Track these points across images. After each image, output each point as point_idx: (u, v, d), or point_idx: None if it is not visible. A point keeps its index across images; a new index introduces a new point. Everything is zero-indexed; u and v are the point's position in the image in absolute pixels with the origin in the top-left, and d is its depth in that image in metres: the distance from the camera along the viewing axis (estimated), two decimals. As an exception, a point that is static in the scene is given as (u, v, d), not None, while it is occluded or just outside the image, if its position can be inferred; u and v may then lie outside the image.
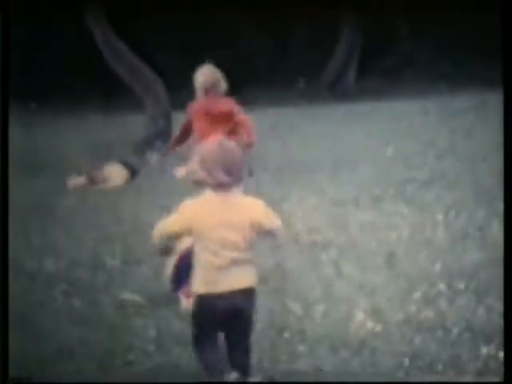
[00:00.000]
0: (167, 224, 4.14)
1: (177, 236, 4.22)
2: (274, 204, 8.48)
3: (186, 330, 5.08)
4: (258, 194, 8.98)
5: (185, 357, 4.71)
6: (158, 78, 13.12)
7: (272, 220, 4.31)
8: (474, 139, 12.03)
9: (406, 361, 4.53)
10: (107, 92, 23.49)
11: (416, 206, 8.10)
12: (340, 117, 16.86)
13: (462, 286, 5.60)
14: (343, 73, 24.91)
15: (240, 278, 4.14)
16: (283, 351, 4.78)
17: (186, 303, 5.29)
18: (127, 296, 5.78)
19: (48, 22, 25.07)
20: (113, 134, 13.66)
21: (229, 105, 7.16)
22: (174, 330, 5.14)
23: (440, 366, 4.45)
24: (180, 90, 21.44)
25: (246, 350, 4.25)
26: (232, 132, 6.99)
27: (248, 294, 4.19)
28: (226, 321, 4.16)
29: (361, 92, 22.20)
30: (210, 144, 4.18)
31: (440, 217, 7.50)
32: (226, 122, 7.09)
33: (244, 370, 4.16)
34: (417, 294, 5.50)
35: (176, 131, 12.36)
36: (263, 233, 4.23)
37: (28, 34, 25.91)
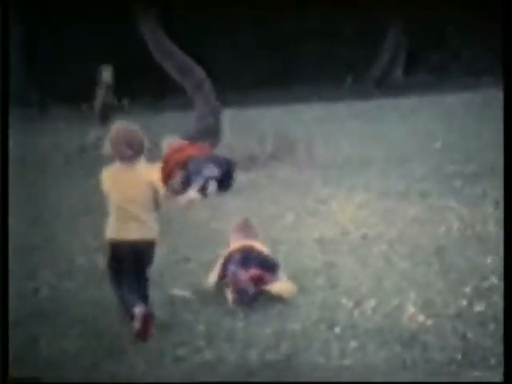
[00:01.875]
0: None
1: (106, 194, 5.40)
2: (322, 200, 8.58)
3: (235, 325, 5.12)
4: (306, 190, 9.10)
5: (234, 352, 4.73)
6: (207, 76, 13.17)
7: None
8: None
9: (459, 355, 4.49)
10: (158, 90, 23.67)
11: (465, 199, 8.02)
12: (387, 112, 16.75)
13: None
14: (390, 69, 24.81)
15: (139, 232, 5.25)
16: (334, 346, 4.77)
17: (230, 297, 5.49)
18: (177, 292, 5.81)
19: (97, 21, 25.33)
20: (162, 132, 13.72)
21: None
22: (223, 325, 5.16)
23: (493, 361, 4.40)
24: (228, 88, 21.64)
25: (146, 284, 5.32)
26: None
27: (147, 244, 5.29)
28: (130, 262, 5.26)
29: (408, 87, 22.06)
30: (115, 127, 5.41)
31: (489, 210, 7.42)
32: None
33: (145, 298, 5.21)
34: (468, 288, 5.45)
35: (224, 128, 12.49)
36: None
37: (80, 35, 26.21)
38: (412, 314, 5.10)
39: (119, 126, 5.46)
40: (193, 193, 7.19)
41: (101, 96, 18.69)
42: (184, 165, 7.66)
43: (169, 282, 6.07)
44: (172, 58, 12.73)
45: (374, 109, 17.62)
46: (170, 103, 21.82)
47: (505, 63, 5.23)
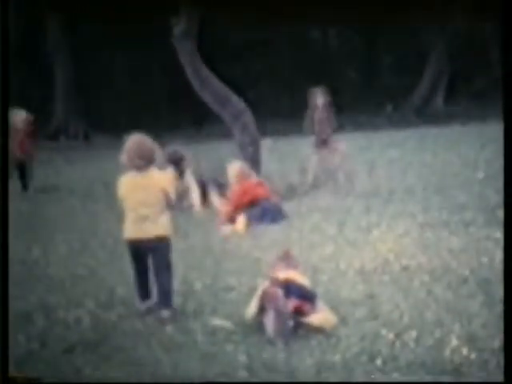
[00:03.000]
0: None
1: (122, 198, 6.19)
2: (363, 230, 8.55)
3: (276, 356, 5.10)
4: (347, 219, 9.07)
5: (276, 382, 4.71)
6: (246, 106, 13.24)
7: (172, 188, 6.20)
8: None
9: (502, 389, 4.42)
10: (198, 120, 23.86)
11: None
12: (429, 141, 16.69)
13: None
14: (431, 97, 24.74)
15: (152, 229, 6.02)
16: (376, 378, 4.73)
17: (271, 329, 5.46)
18: (218, 322, 5.81)
19: (138, 49, 25.60)
20: (203, 161, 13.80)
21: None
22: (264, 355, 5.14)
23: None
24: (268, 117, 21.75)
25: (167, 277, 6.06)
26: None
27: (161, 239, 6.05)
28: (147, 257, 6.08)
29: (449, 116, 21.95)
30: (130, 139, 6.13)
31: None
32: None
33: (167, 290, 5.99)
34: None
35: (263, 158, 12.55)
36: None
37: (117, 68, 26.52)
38: (455, 346, 5.04)
39: (134, 138, 6.15)
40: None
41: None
42: (249, 205, 9.72)
43: (210, 312, 6.08)
44: (210, 88, 12.83)
45: (415, 137, 17.56)
46: (211, 132, 21.99)
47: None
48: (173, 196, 6.13)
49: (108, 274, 7.45)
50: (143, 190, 6.06)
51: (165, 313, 5.96)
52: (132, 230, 6.11)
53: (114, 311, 6.22)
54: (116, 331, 5.78)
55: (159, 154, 6.30)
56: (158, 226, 6.07)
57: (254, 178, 10.30)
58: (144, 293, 6.19)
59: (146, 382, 4.89)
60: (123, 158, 6.07)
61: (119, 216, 9.50)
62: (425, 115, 23.20)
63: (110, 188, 13.31)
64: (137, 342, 5.54)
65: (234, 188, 10.15)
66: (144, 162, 6.05)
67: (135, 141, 6.12)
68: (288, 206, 10.37)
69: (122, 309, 6.28)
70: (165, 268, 6.11)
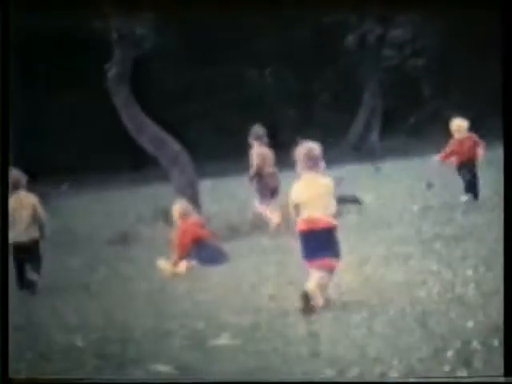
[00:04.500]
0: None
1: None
2: (302, 269, 8.58)
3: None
4: (288, 258, 9.09)
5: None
6: (183, 148, 13.27)
7: None
8: (501, 193, 11.98)
9: (443, 422, 4.46)
10: (135, 164, 23.78)
11: (445, 262, 8.04)
12: (365, 176, 16.88)
13: (496, 343, 5.51)
14: (366, 134, 25.10)
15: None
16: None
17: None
18: (158, 367, 5.76)
19: (73, 97, 25.52)
20: (142, 204, 13.78)
21: None
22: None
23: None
24: (205, 159, 21.79)
25: None
26: None
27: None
28: None
29: (386, 151, 22.27)
30: (300, 147, 7.18)
31: (470, 273, 7.44)
32: None
33: None
34: (450, 353, 5.43)
35: (203, 199, 12.54)
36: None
37: (51, 111, 26.38)
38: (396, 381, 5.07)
39: (302, 147, 7.25)
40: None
41: None
42: (194, 244, 9.77)
43: (151, 357, 6.02)
44: (146, 132, 12.84)
45: (352, 173, 17.74)
46: (149, 175, 21.92)
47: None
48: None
49: (45, 323, 7.34)
50: (314, 186, 7.04)
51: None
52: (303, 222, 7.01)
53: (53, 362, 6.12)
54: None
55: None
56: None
57: (195, 218, 10.32)
58: None
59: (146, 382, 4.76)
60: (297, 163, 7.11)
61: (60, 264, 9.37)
62: (361, 151, 23.50)
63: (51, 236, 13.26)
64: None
65: (177, 228, 10.16)
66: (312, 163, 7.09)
67: (303, 148, 7.17)
68: (229, 247, 10.37)
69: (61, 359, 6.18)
70: None
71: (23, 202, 9.54)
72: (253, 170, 11.76)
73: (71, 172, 22.62)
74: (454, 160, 12.08)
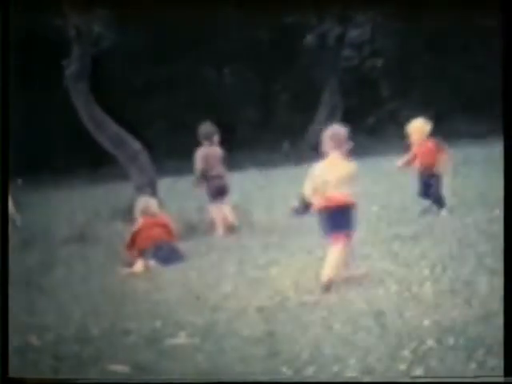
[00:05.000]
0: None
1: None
2: (261, 267, 8.58)
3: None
4: (245, 257, 9.09)
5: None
6: (143, 147, 13.21)
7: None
8: (459, 194, 12.10)
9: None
10: (93, 162, 23.62)
11: (402, 262, 8.09)
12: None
13: (451, 341, 5.56)
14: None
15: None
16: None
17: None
18: (114, 367, 5.72)
19: (31, 96, 25.28)
20: (99, 203, 13.69)
21: None
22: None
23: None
24: (166, 157, 21.73)
25: None
26: None
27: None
28: None
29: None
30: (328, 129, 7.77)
31: (426, 272, 7.49)
32: None
33: None
34: (406, 352, 5.47)
35: (162, 198, 12.47)
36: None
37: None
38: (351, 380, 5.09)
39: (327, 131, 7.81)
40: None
41: None
42: (151, 243, 9.65)
43: (108, 357, 5.98)
44: (105, 130, 12.75)
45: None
46: (108, 173, 21.78)
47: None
48: None
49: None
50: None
51: None
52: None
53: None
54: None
55: None
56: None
57: (159, 217, 10.21)
58: None
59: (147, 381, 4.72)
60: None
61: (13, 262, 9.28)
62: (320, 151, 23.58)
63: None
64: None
65: (134, 227, 10.10)
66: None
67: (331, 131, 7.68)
68: (186, 246, 10.34)
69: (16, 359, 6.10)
70: None
71: None
72: (197, 175, 11.52)
73: (28, 169, 22.40)
74: (416, 164, 11.40)
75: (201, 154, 11.50)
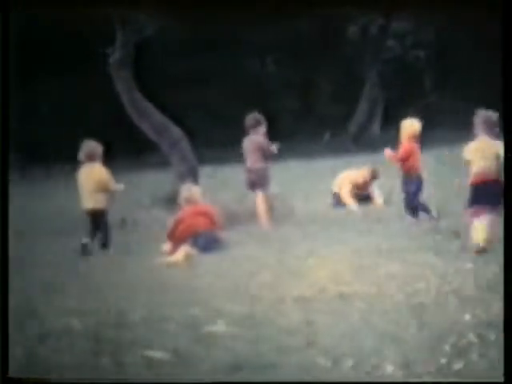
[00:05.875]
0: None
1: None
2: (300, 258, 8.58)
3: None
4: (284, 248, 9.09)
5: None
6: (184, 135, 13.25)
7: None
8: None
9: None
10: (135, 149, 23.75)
11: (443, 255, 8.03)
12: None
13: (492, 336, 5.51)
14: (367, 124, 25.03)
15: None
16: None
17: None
18: (153, 353, 5.76)
19: (74, 76, 25.42)
20: (141, 190, 13.78)
21: None
22: (201, 385, 5.11)
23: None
24: (206, 146, 21.78)
25: None
26: None
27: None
28: None
29: (385, 143, 22.20)
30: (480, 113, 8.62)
31: (469, 266, 7.43)
32: None
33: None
34: (447, 346, 5.43)
35: (203, 186, 12.51)
36: None
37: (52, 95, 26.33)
38: (391, 372, 5.07)
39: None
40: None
41: None
42: (192, 231, 9.71)
43: (146, 343, 6.01)
44: (147, 117, 12.80)
45: (352, 164, 17.69)
46: (149, 161, 21.90)
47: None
48: None
49: (39, 306, 7.33)
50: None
51: None
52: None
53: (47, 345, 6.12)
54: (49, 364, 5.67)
55: None
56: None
57: (202, 205, 10.21)
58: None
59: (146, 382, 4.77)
60: None
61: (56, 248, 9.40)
62: (362, 142, 23.46)
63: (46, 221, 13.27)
64: (71, 376, 5.45)
65: (175, 215, 10.14)
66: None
67: None
68: (227, 235, 10.36)
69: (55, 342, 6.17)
70: None
71: (92, 174, 10.29)
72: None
73: (70, 157, 22.55)
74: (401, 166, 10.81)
75: (246, 144, 11.50)
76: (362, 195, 12.77)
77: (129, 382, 4.59)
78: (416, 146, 10.83)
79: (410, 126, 10.89)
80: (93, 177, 10.27)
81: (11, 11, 6.26)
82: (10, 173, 7.33)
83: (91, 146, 10.47)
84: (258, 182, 11.43)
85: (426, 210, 10.70)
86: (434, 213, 10.63)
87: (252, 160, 11.43)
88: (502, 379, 4.09)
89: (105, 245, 10.37)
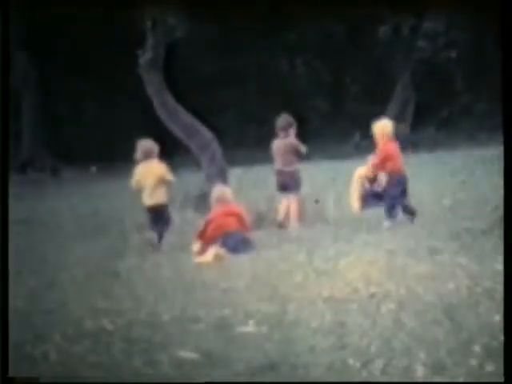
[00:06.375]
0: None
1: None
2: (331, 259, 8.57)
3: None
4: (316, 248, 9.09)
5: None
6: (214, 136, 13.29)
7: None
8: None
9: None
10: (165, 150, 23.85)
11: (474, 256, 7.99)
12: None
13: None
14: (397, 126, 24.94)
15: None
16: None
17: None
18: (184, 354, 5.79)
19: (106, 78, 25.58)
20: (171, 191, 13.81)
21: None
22: (232, 387, 5.13)
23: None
24: (236, 148, 21.82)
25: None
26: None
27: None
28: None
29: (416, 143, 22.13)
30: None
31: (499, 267, 7.39)
32: None
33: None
34: (477, 347, 5.40)
35: (233, 187, 12.55)
36: None
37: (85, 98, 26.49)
38: (422, 375, 5.06)
39: None
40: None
41: None
42: (222, 232, 9.75)
43: (177, 343, 6.05)
44: (177, 119, 12.86)
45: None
46: (179, 162, 21.94)
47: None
48: None
49: (76, 307, 7.40)
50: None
51: None
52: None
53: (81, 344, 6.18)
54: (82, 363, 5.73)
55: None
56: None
57: (233, 206, 10.24)
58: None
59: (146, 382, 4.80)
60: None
61: (89, 248, 9.49)
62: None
63: (79, 221, 13.38)
64: (105, 375, 5.49)
65: (206, 216, 10.18)
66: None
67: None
68: (257, 235, 10.38)
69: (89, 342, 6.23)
70: None
71: (151, 170, 10.67)
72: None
73: (104, 157, 22.70)
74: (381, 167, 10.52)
75: (277, 146, 11.52)
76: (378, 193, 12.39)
77: (130, 382, 4.61)
78: (394, 146, 10.53)
79: (383, 127, 10.58)
80: (154, 172, 10.67)
81: (11, 8, 6.32)
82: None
83: (148, 144, 10.90)
84: (290, 184, 11.42)
85: (411, 212, 10.43)
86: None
87: (284, 162, 11.45)
88: (502, 379, 4.06)
89: (160, 240, 10.56)
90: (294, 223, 11.36)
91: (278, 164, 11.61)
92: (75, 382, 4.71)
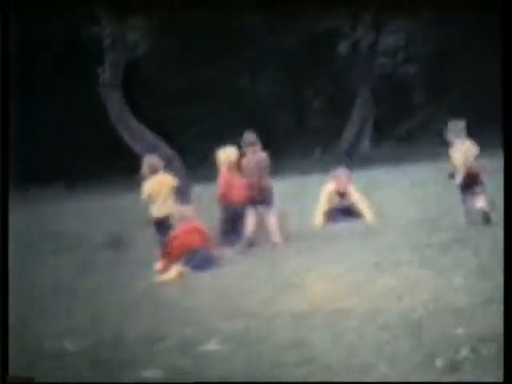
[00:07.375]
0: None
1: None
2: (296, 273, 8.59)
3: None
4: (279, 264, 9.09)
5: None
6: (176, 154, 13.28)
7: None
8: (495, 203, 11.97)
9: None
10: (128, 168, 23.77)
11: (436, 270, 8.05)
12: (356, 184, 16.86)
13: (485, 351, 5.52)
14: (358, 140, 25.12)
15: None
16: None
17: None
18: (148, 373, 5.77)
19: (68, 102, 25.47)
20: (134, 209, 13.76)
21: None
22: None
23: None
24: (198, 166, 21.79)
25: None
26: None
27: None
28: None
29: (377, 158, 22.28)
30: None
31: (460, 281, 7.45)
32: None
33: None
34: (440, 361, 5.44)
35: (195, 204, 12.52)
36: None
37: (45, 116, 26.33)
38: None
39: None
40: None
41: None
42: (185, 250, 9.72)
43: (142, 362, 6.02)
44: (140, 138, 12.83)
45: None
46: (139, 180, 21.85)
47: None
48: None
49: (33, 326, 7.33)
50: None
51: None
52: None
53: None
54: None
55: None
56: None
57: (195, 223, 10.22)
58: None
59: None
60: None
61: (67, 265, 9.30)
62: (352, 158, 23.50)
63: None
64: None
65: (168, 234, 10.17)
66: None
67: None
68: (220, 253, 10.37)
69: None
70: None
71: (163, 182, 11.00)
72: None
73: (64, 176, 22.55)
74: None
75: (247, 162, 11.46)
76: (347, 208, 12.55)
77: (130, 382, 4.59)
78: (235, 177, 11.00)
79: (227, 156, 11.08)
80: (166, 184, 11.00)
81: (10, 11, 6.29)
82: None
83: (153, 160, 11.20)
84: (263, 199, 11.36)
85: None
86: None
87: (256, 177, 11.36)
88: (501, 379, 4.10)
89: None
90: (276, 237, 11.24)
91: (248, 179, 11.56)
92: (72, 382, 4.65)
